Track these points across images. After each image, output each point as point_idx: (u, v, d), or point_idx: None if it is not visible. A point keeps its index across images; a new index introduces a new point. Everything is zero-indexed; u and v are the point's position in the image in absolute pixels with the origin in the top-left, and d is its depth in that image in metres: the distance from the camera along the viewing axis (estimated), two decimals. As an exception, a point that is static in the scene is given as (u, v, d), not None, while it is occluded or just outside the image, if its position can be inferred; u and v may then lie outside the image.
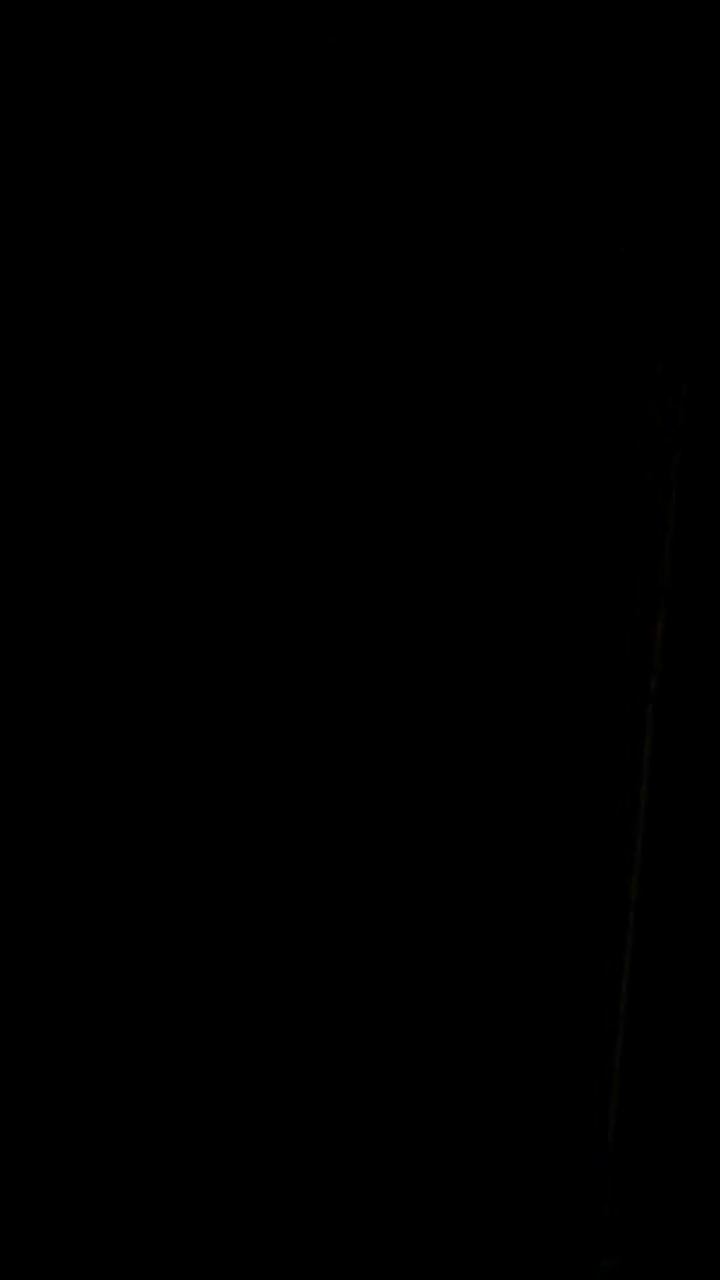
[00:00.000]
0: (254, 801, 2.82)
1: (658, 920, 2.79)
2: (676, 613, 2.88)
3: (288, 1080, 2.77)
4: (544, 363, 2.89)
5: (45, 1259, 2.74)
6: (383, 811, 2.82)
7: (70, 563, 2.82)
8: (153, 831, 2.79)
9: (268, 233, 2.87)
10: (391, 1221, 2.73)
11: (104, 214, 2.85)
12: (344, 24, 2.89)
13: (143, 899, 2.78)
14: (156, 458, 2.84)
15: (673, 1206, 2.71)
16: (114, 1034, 2.77)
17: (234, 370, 2.86)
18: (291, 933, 2.80)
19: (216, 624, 2.84)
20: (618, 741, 2.81)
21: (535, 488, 2.88)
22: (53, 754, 2.80)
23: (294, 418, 2.86)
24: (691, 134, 2.90)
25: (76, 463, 2.83)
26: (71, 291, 2.84)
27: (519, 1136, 2.75)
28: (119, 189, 2.85)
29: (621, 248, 2.89)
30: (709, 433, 2.90)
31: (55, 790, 2.80)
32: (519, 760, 2.83)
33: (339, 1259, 2.74)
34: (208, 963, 2.79)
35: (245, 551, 2.85)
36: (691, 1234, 2.70)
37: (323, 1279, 2.74)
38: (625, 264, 2.89)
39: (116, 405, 2.84)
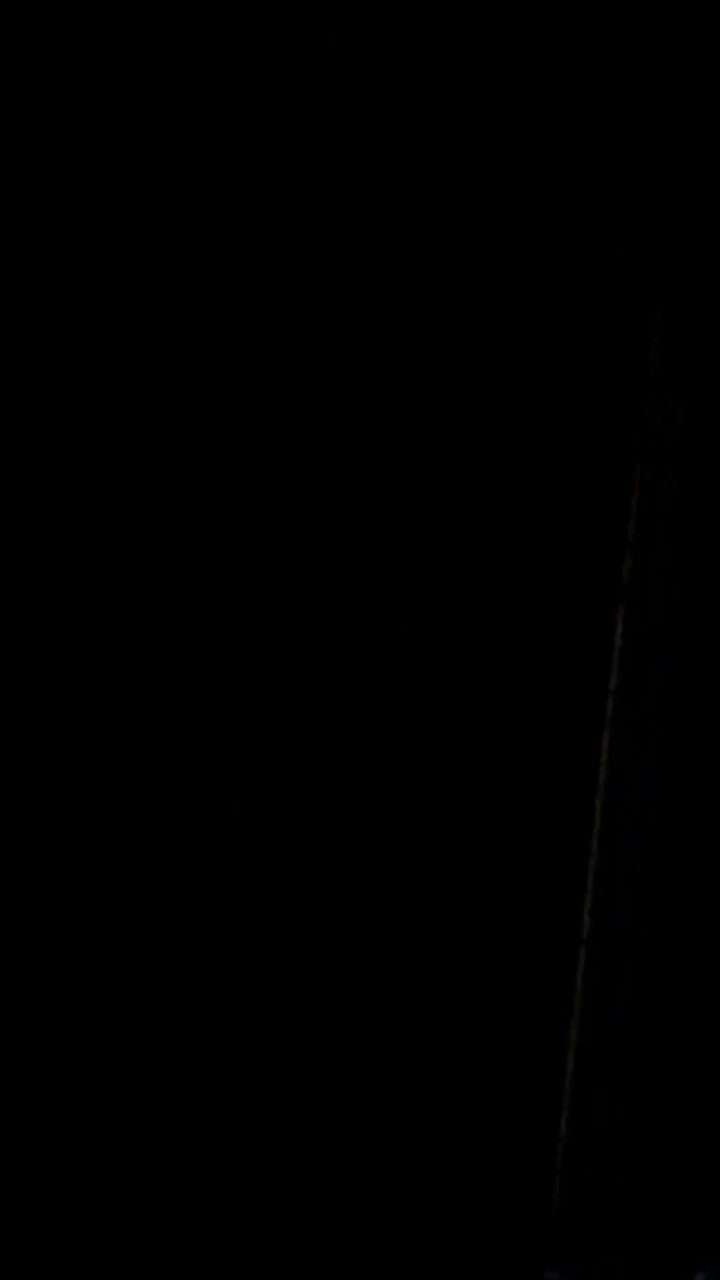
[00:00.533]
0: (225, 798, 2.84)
1: (610, 936, 2.77)
2: (675, 611, 2.85)
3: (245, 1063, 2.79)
4: (543, 362, 2.87)
5: (45, 1259, 2.79)
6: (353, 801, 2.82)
7: (70, 563, 2.85)
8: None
9: (271, 209, 2.88)
10: (337, 1233, 2.74)
11: (105, 214, 2.87)
12: (344, 23, 2.88)
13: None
14: (156, 457, 2.86)
15: (617, 1220, 2.70)
16: (102, 1013, 2.81)
17: (225, 343, 2.87)
18: (270, 915, 2.81)
19: (200, 598, 2.85)
20: (584, 750, 2.79)
21: (533, 486, 2.86)
22: (54, 754, 2.83)
23: (284, 406, 2.87)
24: (689, 127, 2.85)
25: (77, 463, 2.86)
26: (72, 292, 2.87)
27: (465, 1149, 2.75)
28: (120, 189, 2.87)
29: (621, 248, 2.85)
30: (709, 432, 2.86)
31: (56, 790, 2.83)
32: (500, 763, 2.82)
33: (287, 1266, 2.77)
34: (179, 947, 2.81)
35: (237, 537, 2.86)
36: (635, 1247, 2.68)
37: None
38: (624, 262, 2.85)
39: (116, 405, 2.86)
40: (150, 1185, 2.76)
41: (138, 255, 2.86)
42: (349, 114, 2.88)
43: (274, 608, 2.86)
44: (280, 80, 2.87)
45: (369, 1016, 2.77)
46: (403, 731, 2.84)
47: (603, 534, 2.85)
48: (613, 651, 2.77)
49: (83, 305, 2.86)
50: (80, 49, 2.85)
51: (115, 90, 2.86)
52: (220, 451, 2.86)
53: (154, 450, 2.85)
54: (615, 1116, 2.68)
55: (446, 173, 2.88)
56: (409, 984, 2.79)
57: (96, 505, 2.85)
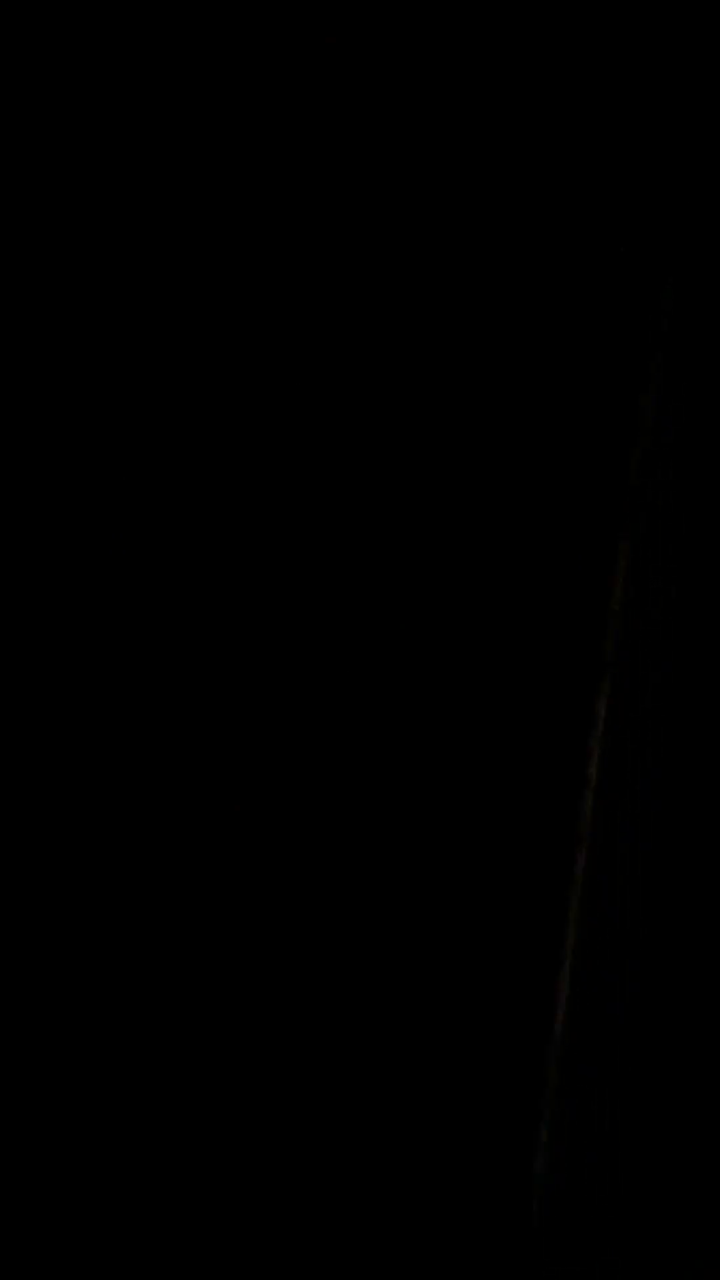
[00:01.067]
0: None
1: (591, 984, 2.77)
2: (674, 611, 2.86)
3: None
4: (537, 361, 2.88)
5: (45, 1259, 2.76)
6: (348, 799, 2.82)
7: (70, 563, 2.84)
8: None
9: (272, 203, 2.88)
10: (319, 1236, 2.73)
11: (105, 214, 2.86)
12: (344, 23, 2.89)
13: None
14: (155, 455, 2.85)
15: (600, 1244, 2.69)
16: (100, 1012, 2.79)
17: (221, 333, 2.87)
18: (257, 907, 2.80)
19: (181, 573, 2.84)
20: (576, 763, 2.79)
21: (529, 473, 2.87)
22: (54, 754, 2.82)
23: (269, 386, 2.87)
24: (693, 120, 2.88)
25: (77, 463, 2.85)
26: (73, 293, 2.86)
27: (448, 1150, 2.74)
28: (120, 189, 2.86)
29: (621, 247, 2.87)
30: (706, 429, 2.88)
31: (56, 790, 2.81)
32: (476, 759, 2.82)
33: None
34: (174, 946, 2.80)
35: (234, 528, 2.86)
36: (619, 1270, 2.68)
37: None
38: (622, 260, 2.87)
39: (116, 406, 2.85)
40: (141, 1174, 2.74)
41: (138, 255, 2.85)
42: (350, 109, 2.88)
43: (268, 608, 2.85)
44: (280, 80, 2.88)
45: (360, 1013, 2.76)
46: (395, 723, 2.83)
47: (598, 530, 2.85)
48: (606, 654, 2.78)
49: (84, 306, 2.85)
50: (80, 48, 2.85)
51: (115, 89, 2.86)
52: (213, 432, 2.86)
53: (154, 448, 2.84)
54: (604, 1120, 2.67)
55: (446, 174, 2.89)
56: (398, 980, 2.78)
57: (96, 505, 2.83)
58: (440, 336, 2.87)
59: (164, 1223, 2.75)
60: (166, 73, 2.86)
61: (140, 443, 2.85)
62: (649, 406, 2.84)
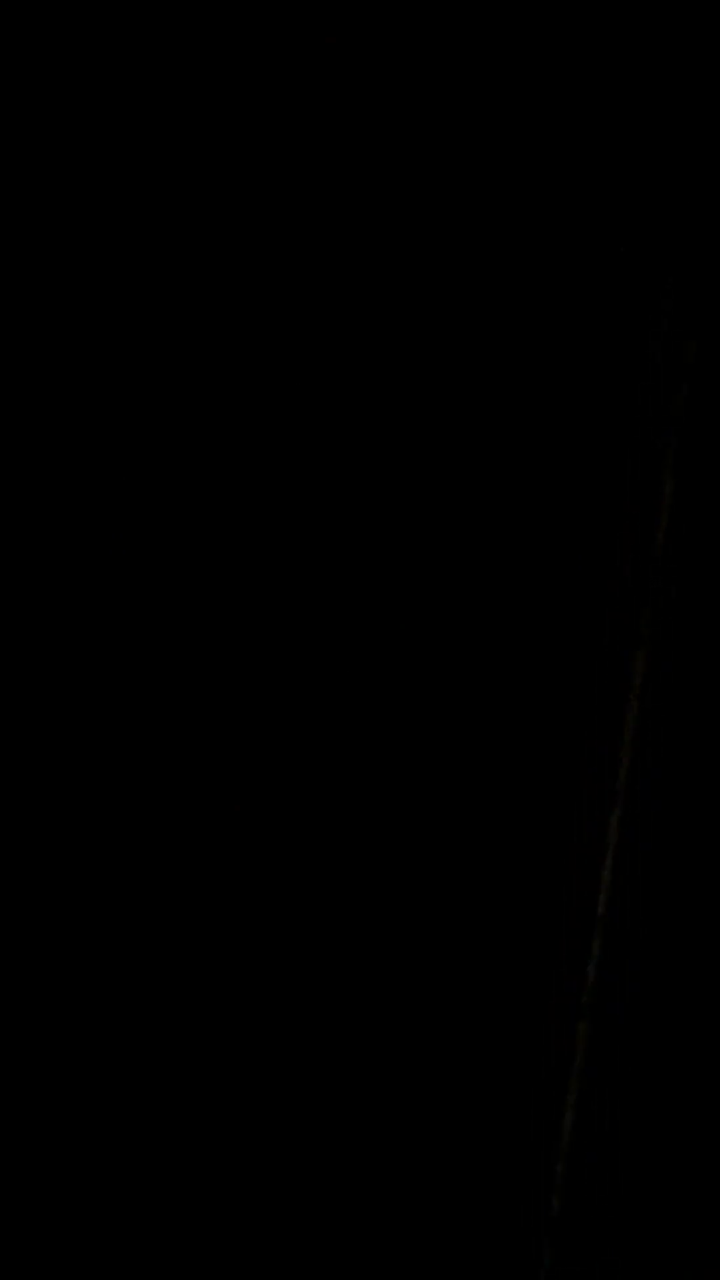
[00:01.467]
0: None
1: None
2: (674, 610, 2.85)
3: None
4: (534, 361, 2.87)
5: (45, 1259, 2.77)
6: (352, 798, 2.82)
7: (70, 561, 2.85)
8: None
9: (271, 206, 2.88)
10: (326, 1242, 2.73)
11: (104, 215, 2.87)
12: (344, 23, 2.89)
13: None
14: (154, 455, 2.86)
15: (618, 1233, 2.68)
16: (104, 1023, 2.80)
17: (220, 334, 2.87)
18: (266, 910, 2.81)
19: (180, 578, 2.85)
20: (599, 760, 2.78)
21: (524, 485, 2.86)
22: (52, 754, 2.83)
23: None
24: (695, 132, 2.86)
25: (76, 463, 2.86)
26: (72, 292, 2.87)
27: (462, 1156, 2.74)
28: (119, 190, 2.87)
29: (622, 248, 2.85)
30: (708, 435, 2.86)
31: (55, 790, 2.83)
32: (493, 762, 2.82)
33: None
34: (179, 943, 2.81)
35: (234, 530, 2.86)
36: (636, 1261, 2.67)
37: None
38: (622, 260, 2.85)
39: (116, 406, 2.86)
40: (145, 1183, 2.75)
41: (137, 254, 2.86)
42: (349, 108, 2.88)
43: (268, 615, 2.85)
44: (280, 80, 2.88)
45: (367, 1019, 2.76)
46: (402, 728, 2.83)
47: (596, 529, 2.84)
48: (634, 662, 2.77)
49: (83, 305, 2.86)
50: (78, 46, 2.86)
51: (113, 88, 2.86)
52: (211, 440, 2.86)
53: (153, 448, 2.85)
54: (621, 1127, 2.66)
55: (445, 174, 2.88)
56: (408, 984, 2.78)
57: (95, 504, 2.84)
58: (436, 338, 2.86)
59: (160, 1239, 2.76)
60: (165, 72, 2.86)
61: (140, 442, 2.86)
62: (648, 407, 2.82)
